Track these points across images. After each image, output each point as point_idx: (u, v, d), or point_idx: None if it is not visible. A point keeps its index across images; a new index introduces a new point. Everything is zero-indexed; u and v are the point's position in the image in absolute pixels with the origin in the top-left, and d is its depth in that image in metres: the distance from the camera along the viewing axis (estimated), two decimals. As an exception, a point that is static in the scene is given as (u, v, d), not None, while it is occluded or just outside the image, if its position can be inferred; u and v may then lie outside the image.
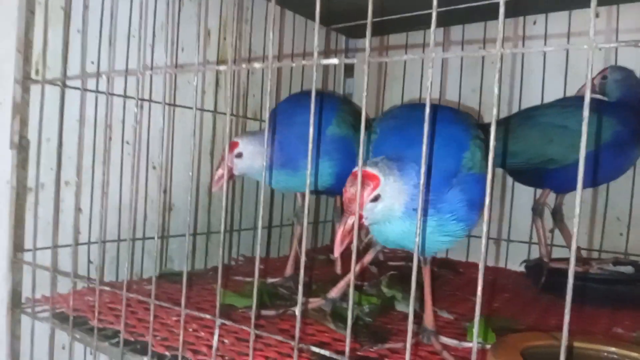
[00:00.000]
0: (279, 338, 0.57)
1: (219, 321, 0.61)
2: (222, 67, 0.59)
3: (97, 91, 0.98)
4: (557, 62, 1.36)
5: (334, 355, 0.53)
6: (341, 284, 0.91)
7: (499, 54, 0.43)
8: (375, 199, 0.63)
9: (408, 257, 1.47)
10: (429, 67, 0.47)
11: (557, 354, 0.55)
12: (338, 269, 1.20)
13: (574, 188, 1.22)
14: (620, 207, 1.29)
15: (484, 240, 0.44)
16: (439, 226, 0.67)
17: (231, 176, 0.93)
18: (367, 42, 0.49)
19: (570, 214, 1.28)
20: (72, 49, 0.94)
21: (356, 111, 1.10)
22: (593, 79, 1.19)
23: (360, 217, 0.63)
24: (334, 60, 0.53)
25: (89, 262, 1.00)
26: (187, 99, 1.16)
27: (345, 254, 1.26)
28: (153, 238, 1.08)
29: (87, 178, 0.98)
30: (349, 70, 1.70)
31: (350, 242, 0.62)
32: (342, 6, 1.36)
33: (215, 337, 0.61)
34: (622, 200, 1.28)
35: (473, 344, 0.44)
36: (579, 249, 1.26)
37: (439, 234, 0.68)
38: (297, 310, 0.54)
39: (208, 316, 0.62)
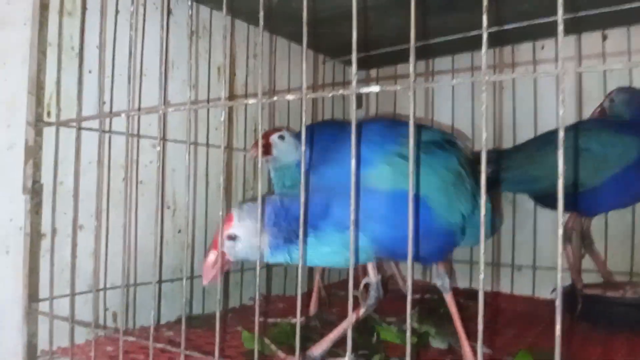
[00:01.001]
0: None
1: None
2: (251, 101, 0.56)
3: (114, 132, 0.95)
4: (568, 86, 1.34)
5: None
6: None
7: (560, 74, 0.40)
8: (232, 238, 0.69)
9: (429, 289, 1.42)
10: (481, 91, 0.44)
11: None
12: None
13: (601, 210, 1.20)
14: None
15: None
16: (317, 240, 0.69)
17: (227, 263, 0.73)
18: (411, 67, 0.46)
19: (595, 237, 1.25)
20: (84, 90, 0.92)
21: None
22: (601, 103, 1.17)
23: (223, 254, 0.69)
24: (374, 88, 0.50)
25: (105, 309, 0.95)
26: (198, 137, 1.13)
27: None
28: (180, 279, 1.04)
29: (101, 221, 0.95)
30: (359, 103, 1.69)
31: (215, 278, 0.69)
32: (348, 38, 1.35)
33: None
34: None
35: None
36: (609, 272, 1.22)
37: (323, 245, 0.70)
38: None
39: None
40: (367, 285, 0.88)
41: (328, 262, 0.73)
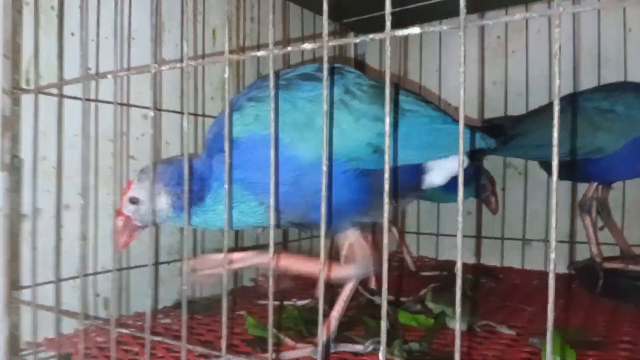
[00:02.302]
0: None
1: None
2: (261, 53, 0.48)
3: (101, 100, 0.86)
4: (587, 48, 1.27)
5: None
6: (332, 320, 0.73)
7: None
8: (134, 202, 0.67)
9: (439, 265, 1.36)
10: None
11: None
12: (372, 284, 1.08)
13: (621, 177, 1.14)
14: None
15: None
16: (214, 201, 0.66)
17: (136, 228, 0.69)
18: (462, 3, 0.38)
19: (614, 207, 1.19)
20: (65, 54, 0.83)
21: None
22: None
23: (128, 217, 0.68)
24: (414, 30, 0.42)
25: (96, 294, 0.88)
26: (195, 106, 1.05)
27: (378, 270, 1.16)
28: (179, 261, 0.97)
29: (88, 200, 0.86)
30: (360, 67, 1.60)
31: (125, 244, 0.68)
32: (351, 1, 1.27)
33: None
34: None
35: None
36: (628, 245, 1.16)
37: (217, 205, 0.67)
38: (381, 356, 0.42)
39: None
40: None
41: (238, 225, 0.70)
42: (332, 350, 0.71)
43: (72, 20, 0.83)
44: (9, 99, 0.75)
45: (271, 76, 0.47)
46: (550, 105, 1.13)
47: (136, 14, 0.92)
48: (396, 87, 0.71)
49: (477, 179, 1.21)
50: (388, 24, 0.40)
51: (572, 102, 1.07)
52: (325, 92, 0.44)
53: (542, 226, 1.32)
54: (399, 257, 1.39)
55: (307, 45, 0.45)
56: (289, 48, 0.47)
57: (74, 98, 0.81)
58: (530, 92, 1.34)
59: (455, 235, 1.19)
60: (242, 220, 0.68)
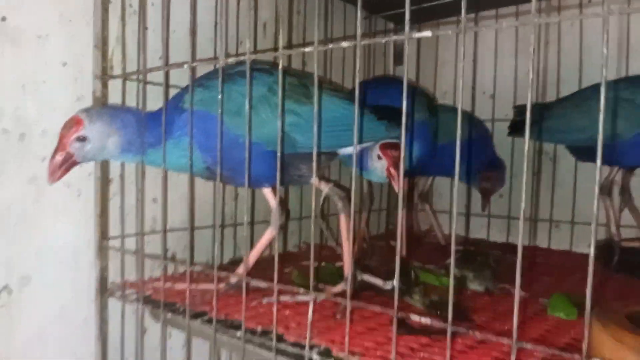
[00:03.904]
0: (377, 308, 0.58)
1: (312, 295, 0.62)
2: (308, 49, 0.61)
3: (176, 86, 1.01)
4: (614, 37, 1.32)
5: (437, 323, 0.54)
6: (345, 258, 0.88)
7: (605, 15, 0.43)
8: (81, 139, 0.76)
9: (468, 242, 1.46)
10: (530, 33, 0.47)
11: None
12: (403, 252, 1.20)
13: (636, 163, 1.20)
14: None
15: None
16: (172, 148, 0.80)
17: (73, 164, 0.77)
18: (463, 11, 0.49)
19: (636, 192, 1.26)
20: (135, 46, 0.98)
21: (430, 96, 1.14)
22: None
23: (69, 153, 0.76)
24: (426, 34, 0.54)
25: (166, 250, 1.04)
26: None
27: (410, 241, 1.27)
28: (241, 224, 1.12)
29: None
30: (399, 58, 1.70)
31: (60, 177, 0.76)
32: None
33: (310, 312, 0.63)
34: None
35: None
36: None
37: (177, 154, 0.80)
38: (395, 282, 0.55)
39: (301, 294, 0.64)
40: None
41: (179, 167, 0.83)
42: (358, 277, 0.86)
43: (148, 16, 0.99)
44: (100, 83, 0.91)
45: (315, 73, 0.60)
46: (575, 93, 1.20)
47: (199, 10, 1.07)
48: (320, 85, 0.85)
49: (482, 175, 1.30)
50: (407, 28, 0.52)
51: (595, 90, 1.14)
52: (280, 92, 0.57)
53: (569, 209, 1.39)
54: (432, 235, 1.50)
55: (344, 44, 0.58)
56: (330, 45, 0.59)
57: (153, 83, 0.96)
58: (561, 81, 1.41)
59: (486, 215, 1.30)
60: (184, 166, 0.81)
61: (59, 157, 0.75)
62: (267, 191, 0.89)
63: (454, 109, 1.43)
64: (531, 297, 0.92)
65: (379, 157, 0.94)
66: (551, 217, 1.43)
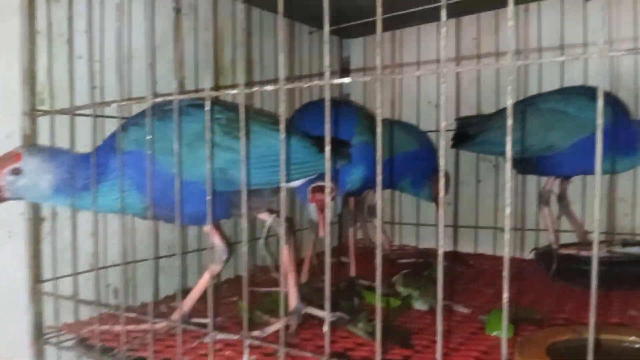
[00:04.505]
0: (309, 354, 0.58)
1: (247, 341, 0.62)
2: (233, 91, 0.60)
3: (107, 116, 0.99)
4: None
5: None
6: (294, 290, 0.90)
7: (514, 66, 0.44)
8: (16, 172, 0.75)
9: (417, 253, 1.49)
10: (442, 82, 0.48)
11: (582, 347, 0.56)
12: (352, 271, 1.21)
13: (576, 173, 1.25)
14: (623, 187, 1.31)
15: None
16: (108, 191, 0.78)
17: (0, 199, 0.76)
18: (378, 59, 0.50)
19: (574, 198, 1.31)
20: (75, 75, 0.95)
21: (371, 115, 1.15)
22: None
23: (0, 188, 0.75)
24: (346, 80, 0.54)
25: (107, 285, 1.01)
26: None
27: (358, 254, 1.29)
28: (173, 255, 1.09)
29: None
30: (345, 72, 1.71)
31: None
32: (334, 7, 1.37)
33: (245, 357, 0.62)
34: (624, 181, 1.30)
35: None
36: (585, 232, 1.28)
37: (113, 197, 0.79)
38: (326, 327, 0.55)
39: (236, 337, 0.63)
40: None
41: (116, 210, 0.81)
42: (302, 311, 0.87)
43: (79, 45, 0.95)
44: (28, 120, 0.87)
45: (241, 116, 0.60)
46: (512, 106, 1.24)
47: (134, 35, 1.05)
48: (258, 118, 0.86)
49: (431, 184, 1.33)
50: (327, 74, 0.52)
51: (530, 103, 1.18)
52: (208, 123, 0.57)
53: (513, 216, 1.44)
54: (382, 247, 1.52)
55: (269, 87, 0.57)
56: (255, 88, 0.59)
57: (84, 115, 0.93)
58: (500, 92, 1.45)
59: (433, 225, 1.32)
60: (124, 208, 0.80)
61: None
62: (207, 229, 0.87)
63: (397, 122, 1.45)
64: (472, 313, 0.94)
65: (309, 201, 0.94)
66: (495, 223, 1.47)
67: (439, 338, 0.48)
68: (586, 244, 1.24)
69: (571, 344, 0.57)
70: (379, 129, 0.51)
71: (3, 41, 0.87)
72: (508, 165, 0.46)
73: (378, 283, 0.53)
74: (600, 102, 0.42)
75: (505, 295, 0.45)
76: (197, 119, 0.79)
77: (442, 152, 0.50)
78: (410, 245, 1.62)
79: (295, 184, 0.93)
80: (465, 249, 1.51)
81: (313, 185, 0.93)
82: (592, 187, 1.33)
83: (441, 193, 0.50)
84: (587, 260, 1.14)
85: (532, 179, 1.39)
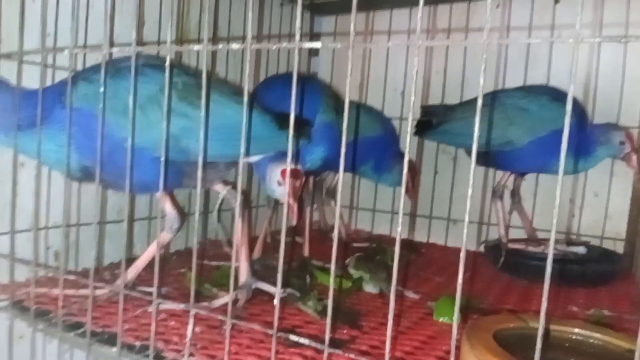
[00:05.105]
0: (257, 327, 0.56)
1: (193, 310, 0.59)
2: (197, 47, 0.57)
3: (58, 67, 0.92)
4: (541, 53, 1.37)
5: (313, 343, 0.53)
6: (245, 264, 0.88)
7: (485, 45, 0.43)
8: None
9: (371, 238, 1.49)
10: (414, 55, 0.46)
11: (527, 335, 0.57)
12: (306, 251, 1.20)
13: (531, 170, 1.28)
14: (572, 189, 1.35)
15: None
16: (46, 139, 0.73)
17: None
18: (352, 25, 0.48)
19: (526, 195, 1.34)
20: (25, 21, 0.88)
21: (336, 94, 1.12)
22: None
23: None
24: (317, 44, 0.52)
25: (47, 248, 0.96)
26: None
27: (312, 235, 1.28)
28: (121, 221, 1.04)
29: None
30: (315, 51, 1.68)
31: None
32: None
33: (190, 327, 0.60)
34: (574, 183, 1.34)
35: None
36: (534, 229, 1.32)
37: (49, 147, 0.74)
38: (276, 300, 0.53)
39: (182, 306, 0.61)
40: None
41: (48, 160, 0.76)
42: (252, 286, 0.85)
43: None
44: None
45: (204, 73, 0.56)
46: (475, 98, 1.25)
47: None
48: (217, 86, 0.81)
49: (399, 169, 1.33)
50: (297, 36, 0.50)
51: (494, 97, 1.19)
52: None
53: (459, 207, 1.46)
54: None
55: (234, 45, 0.54)
56: (220, 46, 0.55)
57: (33, 63, 0.87)
58: (465, 84, 1.46)
59: (389, 212, 1.33)
60: (54, 161, 0.76)
61: None
62: (159, 195, 0.83)
63: (361, 106, 1.44)
64: (421, 299, 0.95)
65: (279, 183, 0.89)
66: (449, 214, 1.49)
67: (390, 320, 0.47)
68: (534, 240, 1.27)
69: (517, 331, 0.58)
70: (347, 100, 0.50)
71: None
72: (474, 147, 0.45)
73: (333, 264, 0.51)
74: (570, 98, 0.41)
75: (460, 282, 0.45)
76: (151, 80, 0.74)
77: (409, 129, 0.49)
78: (365, 230, 1.62)
79: (253, 159, 0.90)
80: (419, 237, 1.52)
81: (284, 168, 0.90)
82: (544, 185, 1.37)
83: (405, 181, 0.49)
84: (533, 256, 1.18)
85: (492, 174, 1.41)
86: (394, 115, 1.51)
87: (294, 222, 0.92)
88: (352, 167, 1.34)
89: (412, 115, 0.48)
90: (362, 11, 1.60)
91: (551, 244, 0.42)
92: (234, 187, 0.90)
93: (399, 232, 0.49)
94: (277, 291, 0.53)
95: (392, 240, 1.47)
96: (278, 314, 0.53)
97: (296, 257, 1.18)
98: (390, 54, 1.57)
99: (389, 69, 1.58)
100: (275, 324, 0.53)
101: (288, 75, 1.40)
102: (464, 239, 0.46)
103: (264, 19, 1.45)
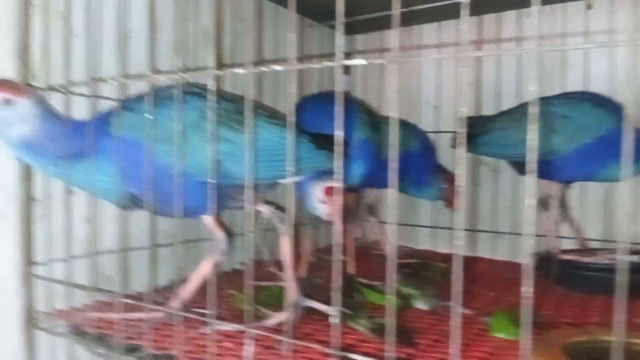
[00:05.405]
0: (317, 346, 0.56)
1: (252, 332, 0.59)
2: (241, 71, 0.58)
3: (104, 97, 0.95)
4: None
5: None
6: (293, 283, 0.88)
7: (535, 53, 0.43)
8: (7, 102, 0.71)
9: (414, 254, 1.47)
10: (462, 66, 0.46)
11: (598, 349, 0.55)
12: (352, 269, 1.19)
13: (578, 178, 1.24)
14: (632, 196, 1.30)
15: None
16: (95, 169, 0.75)
17: None
18: (393, 42, 0.48)
19: (573, 204, 1.30)
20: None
21: (371, 111, 1.12)
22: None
23: None
24: (360, 61, 0.52)
25: (99, 273, 0.98)
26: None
27: (359, 253, 1.27)
28: (171, 245, 1.06)
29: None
30: (346, 67, 1.69)
31: None
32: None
33: (249, 348, 0.60)
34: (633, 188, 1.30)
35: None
36: (585, 239, 1.27)
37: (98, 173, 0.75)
38: (336, 319, 0.53)
39: (239, 327, 0.61)
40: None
41: (93, 190, 0.78)
42: (302, 304, 0.84)
43: (76, 22, 0.92)
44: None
45: (250, 97, 0.57)
46: (515, 108, 1.23)
47: (134, 15, 1.01)
48: (256, 110, 0.81)
49: (437, 182, 1.31)
50: (337, 53, 0.50)
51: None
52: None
53: (511, 220, 1.43)
54: (379, 246, 1.50)
55: (278, 67, 0.55)
56: (263, 68, 0.56)
57: (81, 95, 0.90)
58: (501, 94, 1.44)
59: (430, 227, 1.31)
60: (100, 191, 0.77)
61: None
62: (205, 219, 0.84)
63: (400, 121, 1.43)
64: (475, 315, 0.93)
65: (321, 201, 0.90)
66: (493, 227, 1.46)
67: (454, 337, 0.46)
68: (586, 250, 1.23)
69: (587, 345, 0.56)
70: (394, 115, 0.50)
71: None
72: (533, 156, 0.44)
73: (392, 281, 0.50)
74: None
75: (528, 297, 0.44)
76: (192, 107, 0.75)
77: (460, 140, 0.48)
78: (407, 246, 1.60)
79: (293, 179, 0.90)
80: (463, 252, 1.49)
81: (327, 185, 0.90)
82: (591, 193, 1.33)
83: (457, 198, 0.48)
84: (588, 267, 1.14)
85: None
86: (427, 129, 1.50)
87: (338, 241, 0.92)
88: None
89: (464, 128, 0.48)
90: (388, 29, 1.61)
91: (621, 252, 0.41)
92: (277, 207, 0.90)
93: (458, 247, 0.48)
94: (335, 310, 0.53)
95: (436, 256, 1.46)
96: (332, 332, 0.53)
97: (341, 275, 1.17)
98: (421, 68, 1.57)
99: (422, 82, 1.57)
100: (336, 343, 0.53)
101: (321, 95, 1.41)
102: (526, 252, 0.45)
103: (295, 45, 1.47)
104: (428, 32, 1.55)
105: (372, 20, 1.50)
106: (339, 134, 0.54)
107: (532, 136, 0.44)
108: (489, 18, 1.45)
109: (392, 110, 0.50)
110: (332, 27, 1.60)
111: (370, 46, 1.67)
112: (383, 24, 1.51)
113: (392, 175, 0.50)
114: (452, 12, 1.39)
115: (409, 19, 1.52)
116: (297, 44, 1.48)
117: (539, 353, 0.51)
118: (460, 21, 0.45)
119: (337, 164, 0.54)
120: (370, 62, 0.54)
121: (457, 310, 0.47)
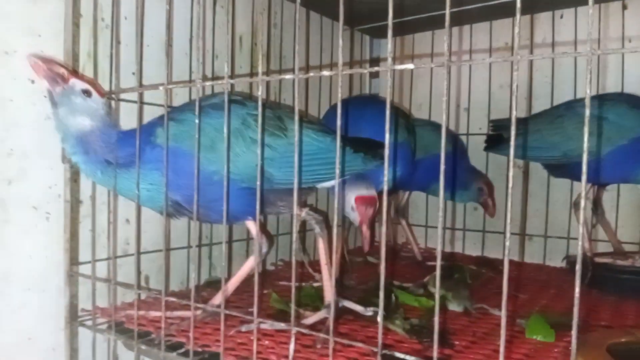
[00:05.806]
0: (361, 345, 0.57)
1: (294, 329, 0.61)
2: (289, 76, 0.59)
3: (151, 103, 0.99)
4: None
5: (419, 360, 0.53)
6: (330, 284, 0.87)
7: (590, 56, 0.43)
8: (86, 93, 0.75)
9: (445, 257, 1.47)
10: (514, 70, 0.46)
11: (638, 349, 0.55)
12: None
13: (613, 180, 1.23)
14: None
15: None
16: (140, 177, 0.76)
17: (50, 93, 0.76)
18: (445, 46, 0.49)
19: (607, 207, 1.29)
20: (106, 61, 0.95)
21: (406, 114, 1.13)
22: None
23: (53, 86, 0.74)
24: (409, 66, 0.53)
25: (138, 272, 1.01)
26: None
27: (389, 255, 1.27)
28: (220, 243, 1.09)
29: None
30: (375, 72, 1.70)
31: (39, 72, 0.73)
32: (367, 6, 1.37)
33: (292, 347, 0.61)
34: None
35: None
36: (619, 242, 1.26)
37: (143, 182, 0.77)
38: (380, 317, 0.54)
39: (282, 325, 0.62)
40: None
41: (138, 198, 0.78)
42: (339, 305, 0.86)
43: (120, 30, 0.96)
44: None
45: (296, 103, 0.59)
46: (549, 110, 1.22)
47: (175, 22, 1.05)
48: (284, 115, 0.85)
49: (474, 183, 1.31)
50: (389, 59, 0.51)
51: (569, 107, 1.16)
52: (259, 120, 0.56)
53: (542, 222, 1.42)
54: (408, 248, 1.51)
55: (325, 73, 0.57)
56: (311, 74, 0.58)
57: (128, 101, 0.93)
58: (533, 96, 1.43)
59: (461, 229, 1.32)
60: (145, 198, 0.79)
61: (51, 76, 0.74)
62: (248, 223, 0.86)
63: (430, 123, 1.43)
64: (509, 318, 0.93)
65: (353, 209, 0.92)
66: (524, 230, 1.44)
67: (502, 336, 0.47)
68: (621, 253, 1.21)
69: (630, 346, 0.56)
70: (444, 119, 0.50)
71: (44, 21, 0.87)
72: (585, 157, 0.45)
73: (437, 283, 0.51)
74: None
75: (576, 300, 0.44)
76: (232, 115, 0.78)
77: (512, 142, 0.49)
78: (432, 247, 1.60)
79: (330, 183, 0.91)
80: (493, 254, 1.49)
81: (358, 195, 0.92)
82: (625, 196, 1.31)
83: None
84: (622, 269, 1.12)
85: (559, 186, 1.37)
86: (459, 132, 1.50)
87: (366, 249, 0.94)
88: (425, 186, 1.33)
89: (514, 130, 0.48)
90: (409, 34, 1.62)
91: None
92: (312, 209, 0.92)
93: (507, 250, 0.48)
94: (372, 310, 0.54)
95: (466, 258, 1.46)
96: (368, 333, 0.54)
97: (372, 276, 1.19)
98: (453, 72, 1.57)
99: (452, 86, 1.57)
100: (380, 341, 0.54)
101: (356, 99, 1.43)
102: (577, 255, 0.45)
103: (322, 48, 1.49)
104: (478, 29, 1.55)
105: (401, 24, 1.52)
106: (387, 138, 0.55)
107: (586, 141, 0.44)
108: (525, 19, 1.44)
109: (443, 114, 0.51)
110: (364, 30, 1.61)
111: (399, 49, 1.67)
112: (409, 28, 1.53)
113: (441, 181, 0.51)
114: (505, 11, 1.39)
115: (428, 24, 1.53)
116: (329, 48, 1.50)
117: (582, 354, 0.51)
118: (514, 25, 0.46)
119: (385, 167, 0.55)
120: (419, 67, 0.55)
121: (502, 314, 0.47)
